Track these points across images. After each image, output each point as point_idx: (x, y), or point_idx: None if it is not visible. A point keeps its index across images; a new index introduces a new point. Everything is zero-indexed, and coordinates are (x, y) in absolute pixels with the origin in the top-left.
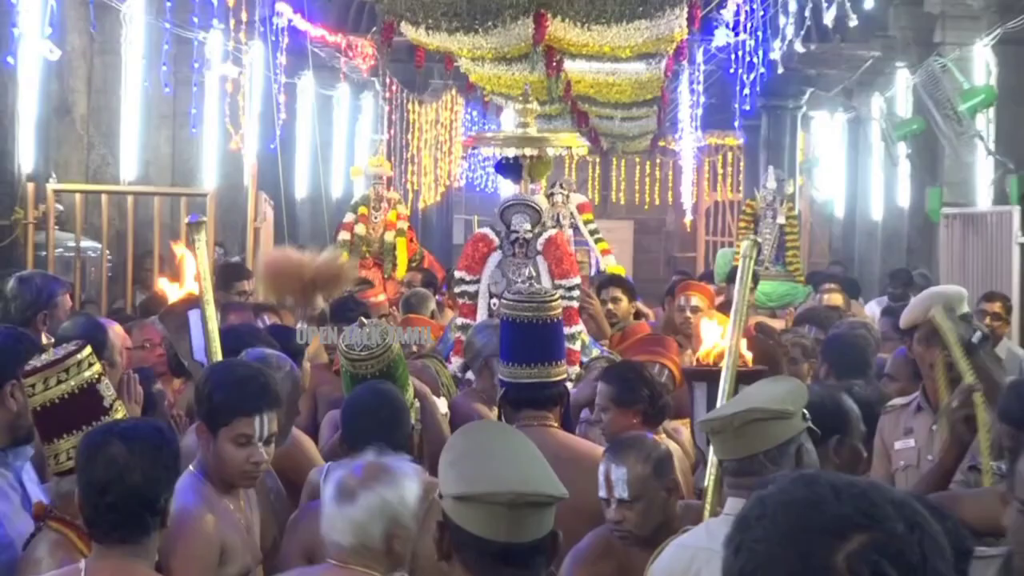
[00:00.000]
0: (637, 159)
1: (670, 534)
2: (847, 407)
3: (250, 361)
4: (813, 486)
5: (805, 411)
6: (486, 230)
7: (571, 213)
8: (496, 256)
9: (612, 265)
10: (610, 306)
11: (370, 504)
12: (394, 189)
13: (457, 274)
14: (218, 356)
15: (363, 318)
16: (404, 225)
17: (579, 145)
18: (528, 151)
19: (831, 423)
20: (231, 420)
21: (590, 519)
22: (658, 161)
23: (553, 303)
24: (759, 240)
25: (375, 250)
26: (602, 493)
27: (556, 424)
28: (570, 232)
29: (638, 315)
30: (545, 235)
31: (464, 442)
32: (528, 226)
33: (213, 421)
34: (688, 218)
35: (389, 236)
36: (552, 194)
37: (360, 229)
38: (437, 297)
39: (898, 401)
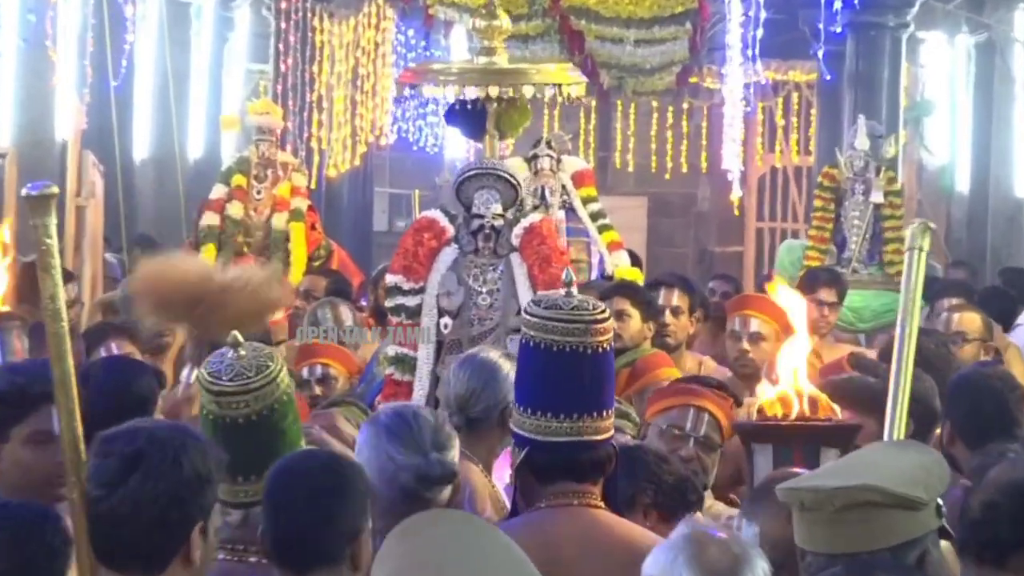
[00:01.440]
0: (655, 103)
1: None
2: None
3: None
4: None
5: (941, 502)
6: (434, 214)
7: (563, 187)
8: (450, 253)
9: (624, 267)
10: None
11: None
12: (288, 149)
13: (389, 279)
14: None
15: (236, 334)
16: (302, 204)
17: (573, 82)
18: (496, 90)
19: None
20: None
21: None
22: (687, 106)
23: (605, 323)
24: (930, 224)
25: (257, 241)
26: None
27: (601, 502)
28: (561, 215)
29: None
30: (524, 222)
31: (404, 551)
32: (498, 208)
33: None
34: (735, 193)
35: (279, 220)
36: (535, 157)
37: (234, 209)
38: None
39: None
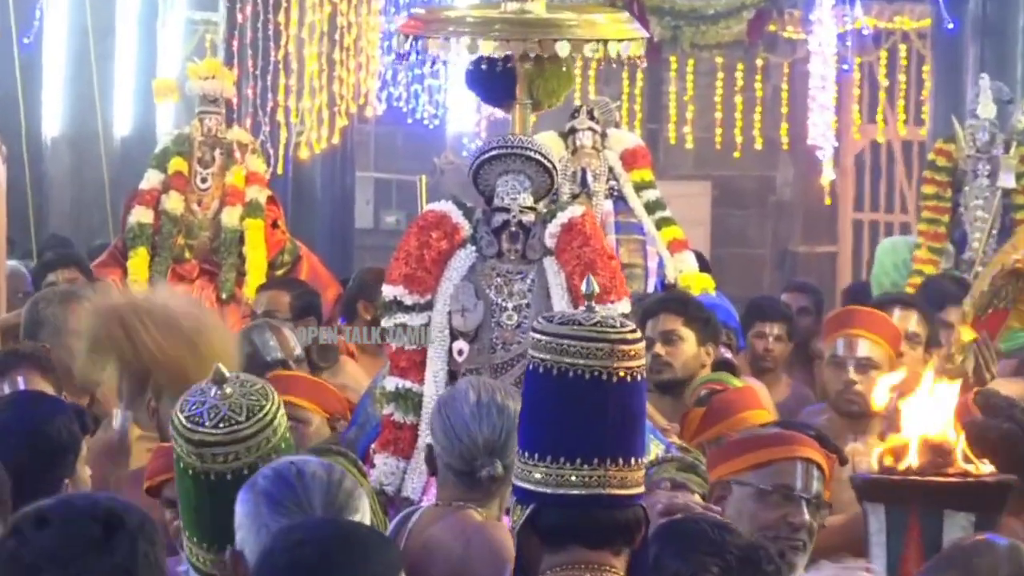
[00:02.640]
0: (720, 60)
1: None
2: None
3: None
4: None
5: None
6: (445, 207)
7: (610, 169)
8: (465, 258)
9: (690, 273)
10: (660, 350)
11: None
12: (244, 125)
13: (387, 291)
14: None
15: (220, 366)
16: (261, 196)
17: (629, 37)
18: (531, 48)
19: None
20: None
21: None
22: (761, 64)
23: (635, 344)
24: None
25: (202, 244)
26: None
27: None
28: (607, 207)
29: (730, 368)
30: (561, 216)
31: None
32: (528, 198)
33: None
34: (826, 176)
35: (230, 217)
36: (572, 131)
37: (172, 203)
38: (325, 336)
39: None
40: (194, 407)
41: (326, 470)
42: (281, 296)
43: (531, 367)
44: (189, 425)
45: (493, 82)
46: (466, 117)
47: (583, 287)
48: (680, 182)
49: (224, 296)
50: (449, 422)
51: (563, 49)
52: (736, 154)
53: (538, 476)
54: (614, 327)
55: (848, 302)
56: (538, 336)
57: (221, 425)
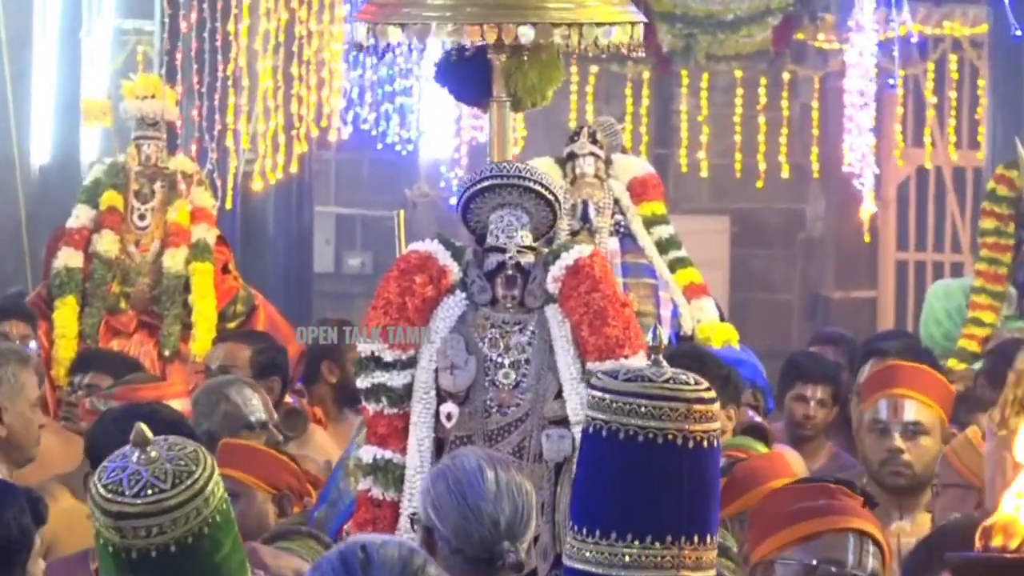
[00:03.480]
0: (739, 73)
1: None
2: None
3: None
4: None
5: None
6: (429, 247)
7: (615, 202)
8: (454, 306)
9: (709, 323)
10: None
11: None
12: (187, 153)
13: (363, 347)
14: None
15: (143, 427)
16: (209, 235)
17: (623, 20)
18: (509, 34)
19: None
20: None
21: None
22: (789, 78)
23: (711, 404)
24: None
25: (141, 293)
26: None
27: None
28: (613, 245)
29: (760, 433)
30: (566, 257)
31: None
32: (527, 236)
33: None
34: (865, 209)
35: (174, 260)
36: (571, 157)
37: (105, 244)
38: (291, 399)
39: None
40: (113, 474)
41: (403, 555)
42: (239, 350)
43: (589, 430)
44: (107, 495)
45: (465, 75)
46: (443, 142)
47: (649, 338)
48: (694, 217)
49: (167, 353)
50: (464, 502)
51: (526, 35)
52: (759, 184)
53: (595, 555)
54: (688, 384)
55: (869, 354)
56: (598, 394)
57: (143, 494)
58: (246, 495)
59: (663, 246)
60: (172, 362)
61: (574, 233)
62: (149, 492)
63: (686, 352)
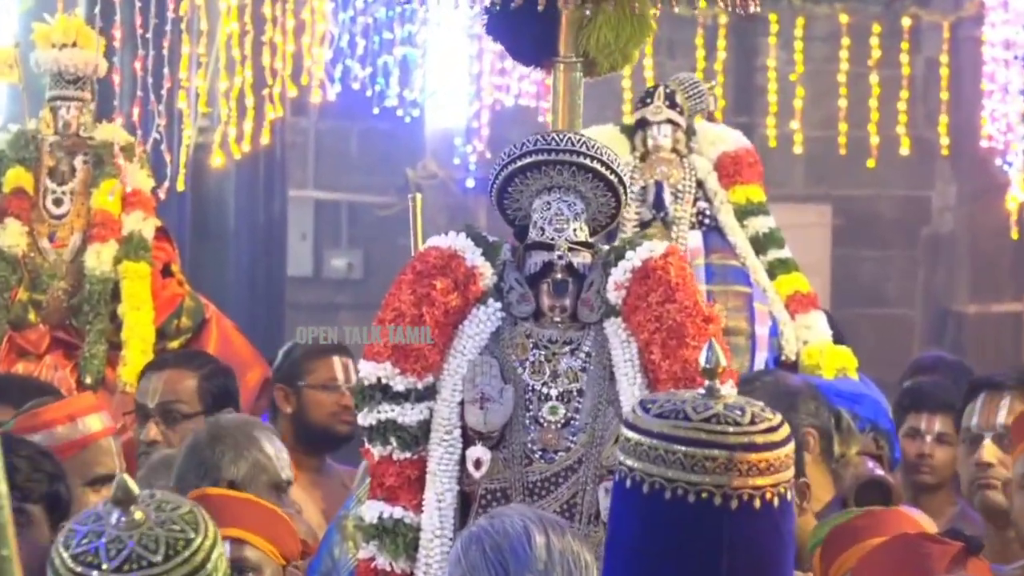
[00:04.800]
0: (844, 18)
1: None
2: None
3: None
4: None
5: None
6: (455, 241)
7: (698, 184)
8: (485, 320)
9: (819, 344)
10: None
11: None
12: (120, 120)
13: (366, 370)
14: None
15: (126, 479)
16: (146, 227)
17: None
18: None
19: None
20: None
21: None
22: (908, 24)
23: (770, 450)
24: None
25: (55, 300)
26: None
27: None
28: (694, 241)
29: (882, 491)
30: (633, 256)
31: None
32: (582, 229)
33: None
34: (1012, 196)
35: (99, 259)
36: (643, 124)
37: (9, 235)
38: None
39: None
40: (86, 541)
41: None
42: (183, 378)
43: (619, 480)
44: (78, 568)
45: (524, 28)
46: (457, 106)
47: (702, 359)
48: (784, 206)
49: (88, 380)
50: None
51: None
52: (869, 163)
53: None
54: (738, 424)
55: (978, 386)
56: (628, 433)
57: (126, 568)
58: (257, 568)
59: (761, 243)
60: (95, 392)
61: (644, 225)
62: (135, 566)
63: (772, 382)
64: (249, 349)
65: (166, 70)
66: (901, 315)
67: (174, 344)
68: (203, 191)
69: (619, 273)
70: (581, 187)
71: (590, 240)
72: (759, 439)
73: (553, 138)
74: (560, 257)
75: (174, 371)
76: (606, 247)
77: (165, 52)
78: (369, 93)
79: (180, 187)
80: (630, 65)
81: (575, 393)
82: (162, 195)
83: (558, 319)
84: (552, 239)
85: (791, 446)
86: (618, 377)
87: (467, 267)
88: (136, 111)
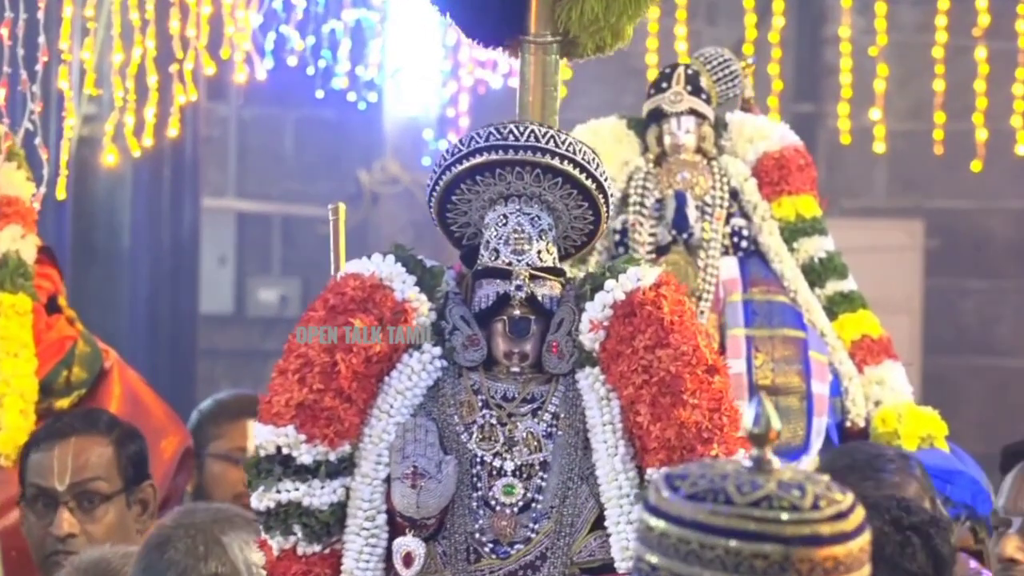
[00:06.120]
0: None
1: None
2: None
3: None
4: None
5: None
6: (380, 267)
7: (732, 195)
8: (420, 370)
9: (897, 406)
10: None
11: None
12: None
13: (262, 435)
14: None
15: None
16: (25, 247)
17: None
18: None
19: None
20: None
21: None
22: None
23: (844, 540)
24: None
25: None
26: None
27: None
28: (730, 270)
29: None
30: (614, 287)
31: None
32: (549, 251)
33: None
34: None
35: None
36: (658, 115)
37: None
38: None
39: None
40: None
41: None
42: (94, 447)
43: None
44: None
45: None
46: (426, 89)
47: (748, 420)
48: (860, 223)
49: None
50: None
51: None
52: (974, 165)
53: None
54: (796, 508)
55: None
56: (650, 519)
57: None
58: None
59: (817, 273)
60: None
61: (661, 250)
62: None
63: (861, 458)
64: (163, 409)
65: (41, 38)
66: (1016, 367)
67: (63, 403)
68: (89, 199)
69: (596, 309)
70: (548, 196)
71: (559, 266)
72: (824, 529)
73: (511, 130)
74: (519, 288)
75: (82, 439)
76: (580, 275)
77: (40, 15)
78: (311, 71)
79: (60, 194)
80: (622, 43)
81: (537, 466)
82: (36, 204)
83: (516, 369)
84: (509, 264)
85: (866, 537)
86: (594, 445)
87: (396, 301)
88: (1, 92)
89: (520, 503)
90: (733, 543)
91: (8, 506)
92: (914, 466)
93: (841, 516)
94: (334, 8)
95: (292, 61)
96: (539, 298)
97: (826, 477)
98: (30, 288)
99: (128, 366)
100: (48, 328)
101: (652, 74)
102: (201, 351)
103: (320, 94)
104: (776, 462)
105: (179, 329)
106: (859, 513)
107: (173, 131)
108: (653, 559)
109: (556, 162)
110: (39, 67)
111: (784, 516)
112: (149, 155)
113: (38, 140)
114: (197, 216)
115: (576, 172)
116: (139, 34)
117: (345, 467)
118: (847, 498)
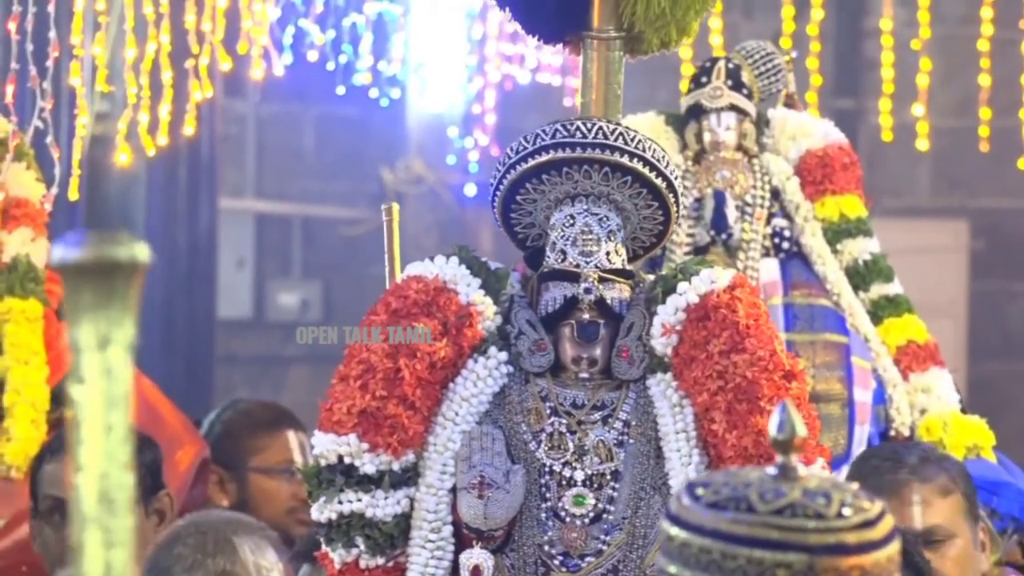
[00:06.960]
0: None
1: None
2: None
3: None
4: None
5: None
6: (444, 268)
7: (773, 194)
8: (486, 376)
9: (943, 413)
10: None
11: None
12: None
13: (323, 445)
14: None
15: None
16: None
17: None
18: None
19: None
20: None
21: None
22: None
23: (872, 549)
24: None
25: None
26: None
27: None
28: (771, 272)
29: None
30: (687, 290)
31: None
32: (619, 252)
33: None
34: None
35: None
36: (698, 111)
37: None
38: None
39: None
40: None
41: None
42: None
43: None
44: None
45: None
46: (452, 86)
47: (772, 426)
48: (903, 223)
49: None
50: None
51: None
52: (1021, 163)
53: None
54: (821, 516)
55: None
56: (671, 529)
57: None
58: None
59: (861, 275)
60: None
61: (699, 250)
62: None
63: (930, 457)
64: (179, 419)
65: (52, 33)
66: None
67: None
68: (102, 200)
69: (668, 312)
70: (617, 195)
71: (629, 267)
72: (850, 538)
73: (579, 127)
74: (588, 291)
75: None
76: (651, 277)
77: (51, 9)
78: (331, 66)
79: (72, 195)
80: (688, 39)
81: (608, 476)
82: (47, 206)
83: (585, 375)
84: (577, 266)
85: (895, 546)
86: (667, 454)
87: (460, 304)
88: (10, 89)
89: (591, 514)
90: (756, 552)
91: (19, 520)
92: (948, 460)
93: (868, 525)
94: (355, 1)
95: (312, 56)
96: (608, 301)
97: (854, 485)
98: (41, 293)
99: (142, 375)
100: (59, 335)
101: (687, 69)
102: (219, 358)
103: (341, 90)
104: (802, 469)
105: (196, 335)
106: (887, 522)
107: (189, 129)
108: (673, 568)
109: (625, 160)
110: (49, 63)
111: (810, 525)
112: (164, 154)
113: (49, 139)
114: (214, 217)
115: (646, 171)
116: (153, 28)
117: (409, 477)
118: (875, 506)
